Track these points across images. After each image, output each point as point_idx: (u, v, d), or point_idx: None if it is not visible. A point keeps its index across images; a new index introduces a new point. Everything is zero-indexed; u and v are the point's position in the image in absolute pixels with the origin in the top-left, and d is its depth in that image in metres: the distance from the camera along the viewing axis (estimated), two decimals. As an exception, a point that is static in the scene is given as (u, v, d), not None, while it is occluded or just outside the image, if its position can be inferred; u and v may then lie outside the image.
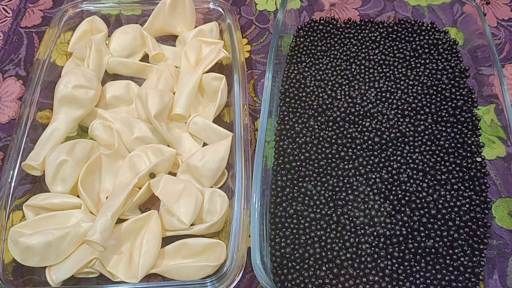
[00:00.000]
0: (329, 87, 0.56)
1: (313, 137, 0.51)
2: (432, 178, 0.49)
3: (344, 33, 0.62)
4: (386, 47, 0.60)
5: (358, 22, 0.63)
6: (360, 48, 0.60)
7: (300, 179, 0.49)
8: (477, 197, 0.48)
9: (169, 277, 0.44)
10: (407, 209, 0.46)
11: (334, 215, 0.46)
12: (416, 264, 0.44)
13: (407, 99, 0.54)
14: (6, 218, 0.45)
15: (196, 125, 0.52)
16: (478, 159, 0.50)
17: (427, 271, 0.44)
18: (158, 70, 0.56)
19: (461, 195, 0.47)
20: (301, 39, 0.61)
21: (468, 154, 0.50)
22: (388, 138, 0.51)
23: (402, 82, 0.56)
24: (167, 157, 0.48)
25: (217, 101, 0.53)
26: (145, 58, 0.60)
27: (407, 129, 0.52)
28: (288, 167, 0.49)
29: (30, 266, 0.43)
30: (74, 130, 0.52)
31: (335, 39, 0.61)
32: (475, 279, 0.44)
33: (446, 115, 0.53)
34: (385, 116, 0.52)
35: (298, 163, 0.50)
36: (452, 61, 0.58)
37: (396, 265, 0.44)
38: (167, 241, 0.45)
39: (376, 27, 0.62)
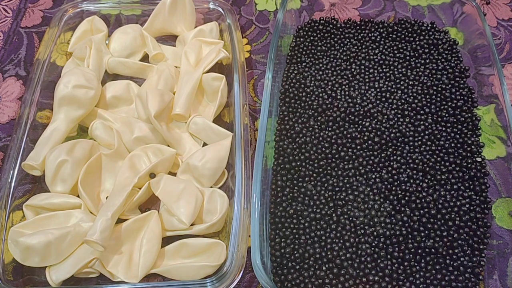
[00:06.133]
0: (329, 87, 0.56)
1: (313, 137, 0.51)
2: (432, 178, 0.49)
3: (344, 33, 0.61)
4: (386, 47, 0.60)
5: (358, 22, 0.63)
6: (360, 48, 0.60)
7: (300, 179, 0.49)
8: (477, 197, 0.48)
9: (169, 277, 0.44)
10: (407, 209, 0.46)
11: (334, 215, 0.46)
12: (416, 264, 0.44)
13: (407, 99, 0.54)
14: (6, 218, 0.45)
15: (196, 125, 0.52)
16: (478, 159, 0.50)
17: (427, 271, 0.44)
18: (158, 70, 0.56)
19: (461, 195, 0.47)
20: (301, 39, 0.61)
21: (468, 154, 0.50)
22: (388, 138, 0.51)
23: (402, 82, 0.56)
24: (167, 157, 0.48)
25: (217, 101, 0.53)
26: (145, 58, 0.60)
27: (407, 129, 0.52)
28: (288, 167, 0.49)
29: (30, 266, 0.43)
30: (74, 130, 0.52)
31: (335, 39, 0.61)
32: (475, 279, 0.44)
33: (446, 115, 0.53)
34: (385, 116, 0.52)
35: (298, 163, 0.50)
36: (452, 61, 0.58)
37: (396, 265, 0.44)
38: (167, 241, 0.45)
39: (376, 27, 0.62)
